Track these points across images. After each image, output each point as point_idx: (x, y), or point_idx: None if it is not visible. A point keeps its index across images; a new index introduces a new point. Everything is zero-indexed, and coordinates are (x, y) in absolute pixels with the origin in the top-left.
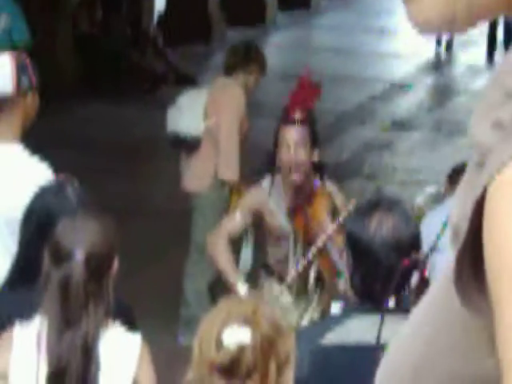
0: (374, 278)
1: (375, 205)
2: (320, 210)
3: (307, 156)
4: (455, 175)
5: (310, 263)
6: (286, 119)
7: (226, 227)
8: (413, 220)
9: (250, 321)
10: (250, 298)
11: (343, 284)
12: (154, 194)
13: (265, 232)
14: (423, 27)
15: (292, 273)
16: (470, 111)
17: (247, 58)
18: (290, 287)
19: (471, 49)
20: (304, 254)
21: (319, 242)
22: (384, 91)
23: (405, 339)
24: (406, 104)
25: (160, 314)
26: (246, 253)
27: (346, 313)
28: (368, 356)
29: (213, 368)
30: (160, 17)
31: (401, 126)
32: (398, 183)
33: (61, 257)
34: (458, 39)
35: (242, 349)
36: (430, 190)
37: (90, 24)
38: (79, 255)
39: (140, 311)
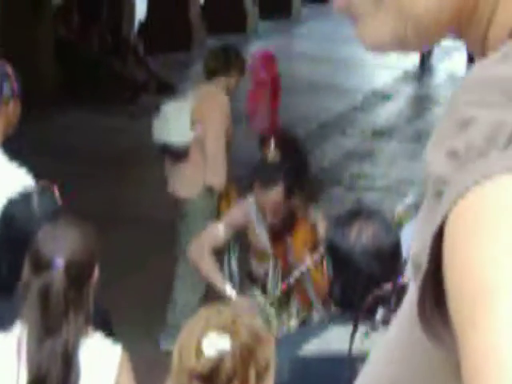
0: (354, 287)
1: (355, 214)
2: (300, 242)
3: (281, 210)
4: None
5: (290, 288)
6: (258, 182)
7: (209, 238)
8: (393, 229)
9: (229, 329)
10: (228, 306)
11: (318, 315)
12: (134, 202)
13: (249, 244)
14: (374, 49)
15: (270, 296)
16: None
17: (227, 62)
18: (271, 302)
19: (452, 57)
20: (283, 279)
21: (296, 274)
22: (364, 100)
23: (374, 364)
24: (386, 113)
25: (140, 321)
26: (231, 266)
27: (326, 322)
28: (346, 366)
29: (192, 376)
30: (141, 24)
31: (381, 135)
32: (378, 192)
33: (41, 265)
34: (438, 48)
35: (221, 357)
36: (410, 199)
37: (68, 30)
38: (59, 263)
39: (121, 318)
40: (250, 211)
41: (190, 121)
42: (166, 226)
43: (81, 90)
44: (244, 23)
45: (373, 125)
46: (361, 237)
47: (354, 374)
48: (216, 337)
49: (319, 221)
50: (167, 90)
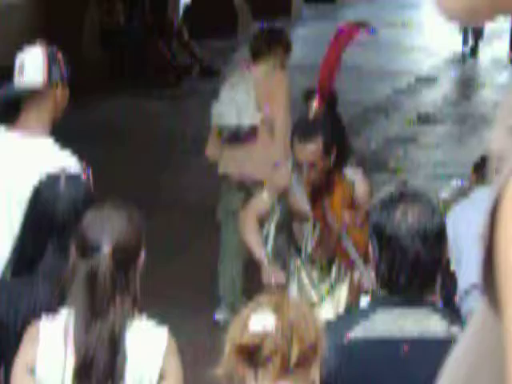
0: (400, 267)
1: (400, 196)
2: (338, 201)
3: (319, 167)
4: (480, 168)
5: (331, 249)
6: (297, 137)
7: (255, 207)
8: (438, 211)
9: (276, 308)
10: (279, 293)
11: (358, 275)
12: (176, 186)
13: (290, 212)
14: (446, 14)
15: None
16: (495, 104)
17: (271, 42)
18: (315, 264)
19: (496, 42)
20: (322, 242)
21: (336, 233)
22: (409, 85)
23: (451, 367)
24: (431, 97)
25: (186, 302)
26: (268, 229)
27: (373, 306)
28: (392, 349)
29: (238, 351)
30: (186, 9)
31: (426, 119)
32: (423, 177)
33: (87, 249)
34: (485, 33)
35: (265, 333)
36: (456, 183)
37: (113, 17)
38: (106, 247)
39: (167, 300)
40: (289, 174)
41: (255, 102)
42: (207, 211)
43: (125, 75)
44: (289, 8)
45: (417, 109)
46: (406, 218)
47: (399, 356)
48: (262, 314)
49: (358, 180)
50: (212, 74)
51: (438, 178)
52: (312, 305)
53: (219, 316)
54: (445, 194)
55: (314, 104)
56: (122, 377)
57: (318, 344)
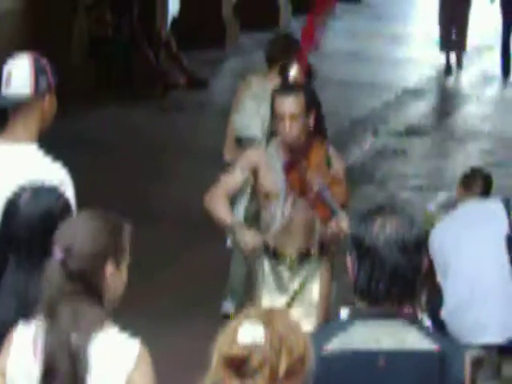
0: (379, 278)
1: (378, 209)
2: (316, 162)
3: (302, 124)
4: (467, 181)
5: (312, 222)
6: (280, 84)
7: (225, 182)
8: (416, 222)
9: (264, 319)
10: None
11: (335, 222)
12: (166, 197)
13: (257, 193)
14: None
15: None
16: (483, 118)
17: (287, 48)
18: (290, 262)
19: (484, 55)
20: (294, 213)
21: (316, 185)
22: (397, 97)
23: None
24: (418, 110)
25: (173, 314)
26: (238, 206)
27: (350, 318)
28: (369, 361)
29: (226, 363)
30: (174, 20)
31: (413, 131)
32: (410, 189)
33: (50, 255)
34: (471, 46)
35: (254, 345)
36: (442, 196)
37: (101, 27)
38: (58, 254)
39: (154, 312)
40: (261, 151)
41: None
42: (194, 222)
43: (113, 85)
44: (277, 20)
45: (405, 122)
46: (384, 229)
47: (376, 369)
48: (251, 325)
49: (334, 155)
50: (200, 86)
51: (426, 190)
52: (286, 305)
53: (226, 308)
54: (432, 207)
55: (292, 73)
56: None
57: (305, 356)
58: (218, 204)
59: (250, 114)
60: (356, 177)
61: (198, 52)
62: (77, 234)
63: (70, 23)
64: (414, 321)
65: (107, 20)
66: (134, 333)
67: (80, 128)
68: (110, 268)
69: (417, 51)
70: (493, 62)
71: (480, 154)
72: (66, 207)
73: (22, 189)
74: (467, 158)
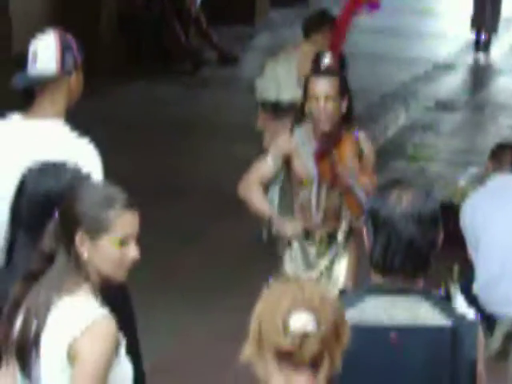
0: (394, 250)
1: (394, 183)
2: (346, 153)
3: (336, 106)
4: (497, 155)
5: (339, 202)
6: (315, 69)
7: (259, 171)
8: (433, 196)
9: (316, 308)
10: (312, 282)
11: None
12: (196, 172)
13: (291, 179)
14: None
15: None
16: None
17: (321, 22)
18: (320, 241)
19: None
20: (328, 199)
21: (347, 180)
22: (427, 71)
23: None
24: (449, 84)
25: (201, 288)
26: (272, 194)
27: (363, 293)
28: (382, 336)
29: (275, 351)
30: None
31: (444, 106)
32: (440, 164)
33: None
34: (503, 19)
35: (307, 336)
36: (473, 170)
37: (131, 4)
38: (54, 218)
39: (178, 285)
40: (293, 139)
41: (297, 78)
42: (224, 197)
43: (142, 61)
44: None
45: (435, 95)
46: (400, 201)
47: (388, 344)
48: (303, 316)
49: (363, 138)
50: (230, 62)
51: (456, 165)
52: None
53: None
54: (462, 181)
55: (326, 60)
56: (34, 344)
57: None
58: (253, 194)
59: (268, 78)
60: (387, 151)
61: (228, 28)
62: (71, 199)
63: (98, 0)
64: (427, 295)
65: None
66: (169, 306)
67: (110, 104)
68: (79, 236)
69: (447, 25)
70: None
71: (511, 128)
72: (71, 186)
73: (32, 167)
74: (498, 132)
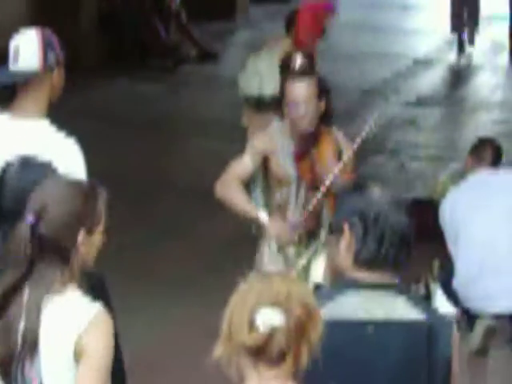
0: (390, 243)
1: (363, 182)
2: (326, 152)
3: (313, 108)
4: (477, 151)
5: (319, 202)
6: (291, 71)
7: (236, 170)
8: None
9: (282, 303)
10: (280, 276)
11: None
12: (177, 168)
13: (269, 178)
14: None
15: (305, 210)
16: (494, 87)
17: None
18: (298, 240)
19: (495, 25)
20: (307, 199)
21: (327, 181)
22: (408, 67)
23: None
24: (429, 80)
25: (180, 284)
26: (255, 195)
27: (339, 288)
28: (358, 331)
29: (242, 349)
30: None
31: (424, 102)
32: (421, 159)
33: (21, 217)
34: (483, 16)
35: (274, 331)
36: (454, 166)
37: (111, 1)
38: (29, 218)
39: (158, 281)
40: (271, 138)
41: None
42: (207, 193)
43: (123, 59)
44: None
45: (416, 91)
46: (386, 196)
47: (365, 339)
48: (269, 312)
49: (340, 136)
50: (210, 58)
51: (437, 160)
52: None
53: None
54: (443, 177)
55: (298, 61)
56: (34, 348)
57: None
58: (234, 194)
59: (249, 73)
60: (367, 146)
61: (208, 24)
62: (49, 198)
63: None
64: (402, 290)
65: None
66: (149, 301)
67: (90, 100)
68: (82, 234)
69: (427, 21)
70: (504, 31)
71: (491, 124)
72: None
73: (12, 161)
74: (478, 128)
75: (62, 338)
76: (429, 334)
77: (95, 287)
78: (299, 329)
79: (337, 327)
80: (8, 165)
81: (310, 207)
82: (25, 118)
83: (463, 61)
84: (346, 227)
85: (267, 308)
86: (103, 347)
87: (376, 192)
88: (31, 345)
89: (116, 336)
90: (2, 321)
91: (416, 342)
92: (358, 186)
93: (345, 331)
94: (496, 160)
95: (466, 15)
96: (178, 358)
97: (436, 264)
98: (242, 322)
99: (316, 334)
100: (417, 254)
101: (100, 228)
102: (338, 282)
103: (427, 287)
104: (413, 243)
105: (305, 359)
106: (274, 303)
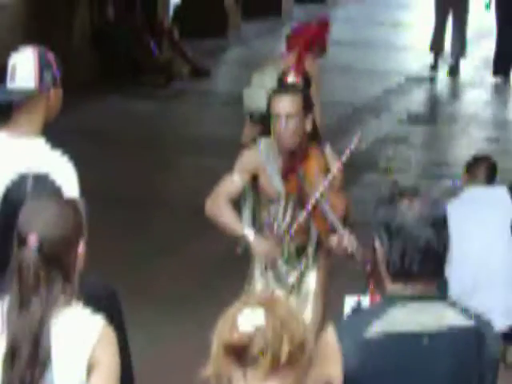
0: (411, 256)
1: (400, 192)
2: (313, 170)
3: (297, 124)
4: (472, 168)
5: (307, 219)
6: (277, 92)
7: (226, 189)
8: (440, 200)
9: (264, 304)
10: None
11: (337, 241)
12: (168, 185)
13: (259, 194)
14: None
15: (292, 227)
16: (486, 104)
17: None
18: (288, 256)
19: (484, 42)
20: (294, 216)
21: (313, 199)
22: (399, 84)
23: None
24: (421, 97)
25: (172, 300)
26: (245, 213)
27: (387, 302)
28: (413, 343)
29: (226, 349)
30: (176, 9)
31: (416, 119)
32: (413, 176)
33: (19, 241)
34: (473, 33)
35: (255, 331)
36: (445, 183)
37: (104, 18)
38: (32, 241)
39: (151, 298)
40: (259, 155)
41: None
42: (198, 210)
43: (115, 75)
44: (279, 8)
45: (407, 108)
46: (412, 207)
47: (420, 350)
48: (251, 311)
49: (329, 152)
50: (202, 75)
51: (428, 177)
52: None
53: None
54: (436, 194)
55: (290, 79)
56: (45, 366)
57: (305, 343)
58: (223, 212)
59: (255, 87)
60: (359, 164)
61: (200, 41)
62: (46, 219)
63: (70, 13)
64: (451, 303)
65: (108, 11)
66: (142, 318)
67: (83, 118)
68: (81, 246)
69: (419, 38)
70: (492, 48)
71: (483, 140)
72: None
73: (23, 176)
74: (470, 144)
75: (75, 352)
76: (477, 338)
77: (108, 300)
78: (279, 327)
79: (391, 341)
80: (19, 180)
81: (295, 226)
82: (20, 136)
83: (438, 89)
84: (375, 238)
85: (249, 308)
86: (113, 356)
87: (405, 204)
88: (43, 362)
89: (127, 346)
90: (11, 339)
91: (467, 347)
92: (393, 195)
93: (399, 344)
94: (491, 176)
95: (452, 39)
96: (170, 373)
97: None
98: (226, 323)
99: (300, 337)
100: None
101: (84, 238)
102: (381, 298)
103: None
104: (443, 256)
105: (284, 358)
106: (257, 304)
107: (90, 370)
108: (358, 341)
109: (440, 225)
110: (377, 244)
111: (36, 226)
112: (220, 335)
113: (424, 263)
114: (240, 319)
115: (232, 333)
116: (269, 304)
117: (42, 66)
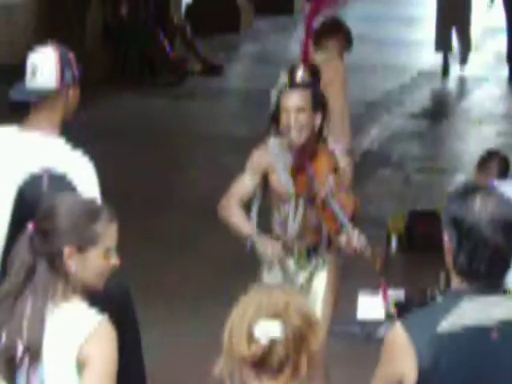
0: (480, 257)
1: (474, 188)
2: (322, 167)
3: (308, 119)
4: (484, 163)
5: (318, 217)
6: (289, 82)
7: (238, 190)
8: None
9: (281, 314)
10: (280, 288)
11: (345, 238)
12: (183, 183)
13: (270, 193)
14: None
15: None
16: (498, 99)
17: (332, 31)
18: (292, 253)
19: (499, 36)
20: (305, 215)
21: (323, 194)
22: (412, 80)
23: None
24: (434, 93)
25: (187, 298)
26: (253, 213)
27: (456, 296)
28: (487, 336)
29: (244, 362)
30: (188, 7)
31: (429, 114)
32: (425, 173)
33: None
34: (486, 27)
35: (273, 342)
36: (460, 177)
37: (116, 16)
38: (29, 227)
39: (166, 296)
40: (269, 154)
41: None
42: (212, 209)
43: (128, 73)
44: (291, 3)
45: (421, 104)
46: (486, 207)
47: (493, 343)
48: (268, 323)
49: (339, 152)
50: (215, 72)
51: (442, 173)
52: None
53: None
54: (451, 189)
55: (300, 73)
56: (36, 358)
57: (320, 346)
58: (233, 214)
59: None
60: (372, 160)
61: (213, 38)
62: (50, 210)
63: (83, 12)
64: (508, 293)
65: (121, 8)
66: (156, 315)
67: (95, 115)
68: (68, 250)
69: (432, 33)
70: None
71: (496, 135)
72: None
73: (38, 175)
74: (483, 139)
75: (64, 348)
76: None
77: (121, 298)
78: (299, 338)
79: (464, 334)
80: (33, 179)
81: (307, 223)
82: (39, 134)
83: (450, 84)
84: (445, 234)
85: (266, 320)
86: (105, 356)
87: (478, 201)
88: (34, 354)
89: (139, 343)
90: (4, 329)
91: None
92: (466, 190)
93: (471, 337)
94: (504, 171)
95: (455, 33)
96: (183, 370)
97: (442, 276)
98: (241, 334)
99: (316, 342)
100: (423, 265)
101: (98, 250)
102: (447, 296)
103: (433, 298)
104: (510, 260)
105: (305, 368)
106: (273, 315)
107: (81, 366)
108: (432, 336)
109: (510, 228)
110: (446, 237)
111: (37, 215)
112: (235, 344)
113: (491, 266)
114: (257, 332)
115: (250, 346)
116: (285, 313)
117: (63, 65)
